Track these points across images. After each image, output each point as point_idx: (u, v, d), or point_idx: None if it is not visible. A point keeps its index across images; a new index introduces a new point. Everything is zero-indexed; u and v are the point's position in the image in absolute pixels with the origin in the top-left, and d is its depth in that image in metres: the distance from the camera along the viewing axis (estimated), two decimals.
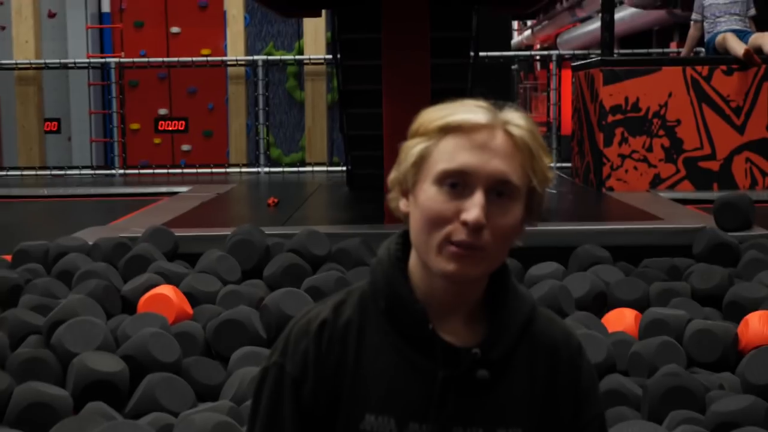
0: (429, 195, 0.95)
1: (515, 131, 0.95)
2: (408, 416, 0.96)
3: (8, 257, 4.00)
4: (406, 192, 0.99)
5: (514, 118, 0.96)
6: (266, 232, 4.09)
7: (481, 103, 0.97)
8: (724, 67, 6.12)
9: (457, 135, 0.94)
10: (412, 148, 0.97)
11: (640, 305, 3.45)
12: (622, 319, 3.29)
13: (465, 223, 0.92)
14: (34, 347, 2.88)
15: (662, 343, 2.90)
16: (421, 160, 0.96)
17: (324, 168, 9.04)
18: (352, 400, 0.98)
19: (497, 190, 0.94)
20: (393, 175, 0.99)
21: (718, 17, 6.45)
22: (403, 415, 0.96)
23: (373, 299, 1.00)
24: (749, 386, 2.66)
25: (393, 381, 0.97)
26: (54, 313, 2.98)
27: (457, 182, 0.94)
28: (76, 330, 2.79)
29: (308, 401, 0.98)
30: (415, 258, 0.99)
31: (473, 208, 0.92)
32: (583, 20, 11.33)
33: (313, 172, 8.95)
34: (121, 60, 9.20)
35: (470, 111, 0.95)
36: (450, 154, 0.94)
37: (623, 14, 9.14)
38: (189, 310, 3.28)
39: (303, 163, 9.23)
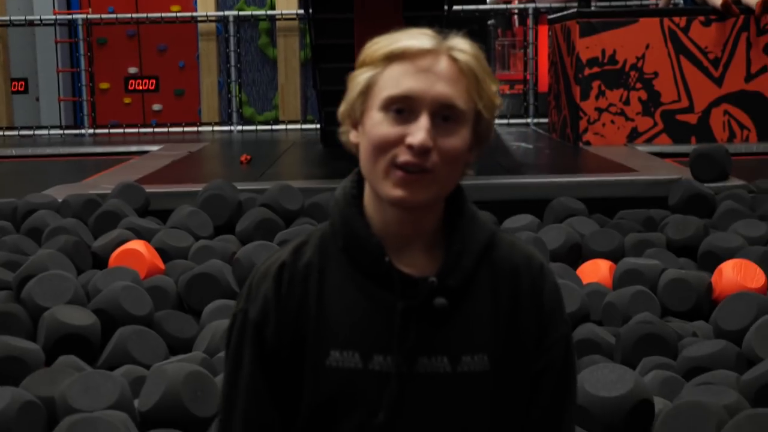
0: (375, 121, 0.95)
1: (460, 56, 0.96)
2: (372, 349, 0.97)
3: None
4: (355, 123, 0.99)
5: (459, 44, 0.96)
6: (238, 188, 4.04)
7: (426, 30, 0.97)
8: (702, 18, 6.07)
9: (402, 62, 0.95)
10: (359, 77, 0.98)
11: (615, 256, 3.45)
12: (596, 270, 3.30)
13: (410, 147, 0.93)
14: (4, 302, 2.83)
15: (636, 292, 2.90)
16: (368, 89, 0.97)
17: (298, 126, 8.93)
18: (317, 338, 0.98)
19: (443, 114, 0.94)
20: (342, 108, 1.00)
21: None
22: (368, 349, 0.97)
23: (333, 238, 1.01)
24: (721, 332, 2.68)
25: (356, 316, 0.98)
26: (24, 268, 2.94)
27: (402, 108, 0.94)
28: (46, 284, 2.75)
29: (272, 343, 0.99)
30: (369, 192, 1.00)
31: (418, 132, 0.93)
32: None
33: (286, 130, 8.85)
34: (89, 16, 8.97)
35: (414, 37, 0.96)
36: (395, 81, 0.94)
37: None
38: (161, 265, 3.24)
39: (276, 122, 9.11)
